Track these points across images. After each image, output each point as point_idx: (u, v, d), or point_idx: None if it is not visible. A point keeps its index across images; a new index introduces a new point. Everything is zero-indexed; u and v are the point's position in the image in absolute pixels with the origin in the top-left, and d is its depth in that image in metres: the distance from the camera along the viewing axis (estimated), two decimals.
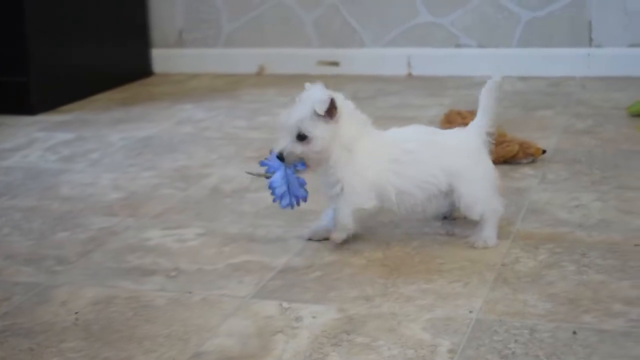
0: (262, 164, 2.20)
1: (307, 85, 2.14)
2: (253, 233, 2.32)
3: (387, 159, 2.13)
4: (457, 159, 2.14)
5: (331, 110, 2.06)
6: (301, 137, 2.07)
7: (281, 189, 2.15)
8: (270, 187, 2.17)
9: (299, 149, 2.08)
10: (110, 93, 4.19)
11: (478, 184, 2.15)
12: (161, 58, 4.58)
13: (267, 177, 2.18)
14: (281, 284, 2.01)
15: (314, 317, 1.83)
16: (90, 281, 2.08)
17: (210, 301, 1.94)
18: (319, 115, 2.06)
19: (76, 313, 1.92)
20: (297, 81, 4.16)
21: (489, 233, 2.15)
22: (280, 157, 2.10)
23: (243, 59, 4.45)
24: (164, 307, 1.93)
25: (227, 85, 4.22)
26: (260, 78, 4.34)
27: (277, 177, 2.16)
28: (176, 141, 3.27)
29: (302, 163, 2.12)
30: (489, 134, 2.18)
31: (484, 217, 2.15)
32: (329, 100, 2.05)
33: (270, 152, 2.18)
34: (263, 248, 2.21)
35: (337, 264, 2.09)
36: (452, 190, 2.14)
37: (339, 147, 2.10)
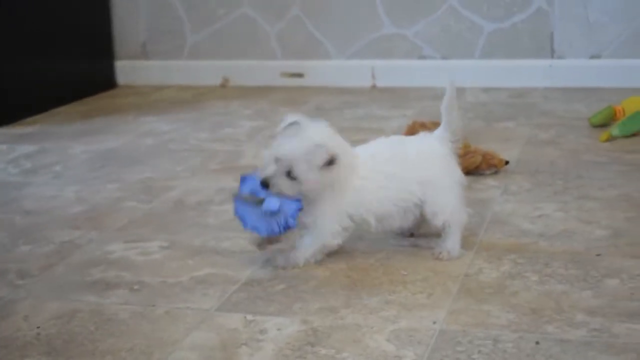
0: (243, 180, 2.10)
1: (290, 116, 2.08)
2: (217, 245, 2.31)
3: (374, 187, 2.11)
4: (428, 169, 2.14)
5: (329, 162, 2.02)
6: (292, 177, 2.02)
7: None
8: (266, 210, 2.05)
9: (288, 187, 2.02)
10: (74, 105, 4.17)
11: (445, 192, 2.14)
12: (125, 70, 4.56)
13: (260, 202, 2.06)
14: (245, 296, 2.00)
15: (278, 330, 1.83)
16: (53, 295, 2.06)
17: (173, 314, 1.93)
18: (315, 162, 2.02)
19: (38, 327, 1.90)
20: (261, 93, 4.20)
21: (453, 244, 2.15)
22: (264, 184, 2.03)
23: (207, 71, 4.44)
24: (127, 320, 1.91)
25: (191, 97, 4.21)
26: (225, 90, 4.33)
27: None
28: (140, 153, 3.26)
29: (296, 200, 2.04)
30: (454, 142, 2.18)
31: (447, 225, 2.15)
32: (329, 156, 2.00)
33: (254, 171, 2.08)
34: (227, 261, 2.21)
35: (301, 276, 2.09)
36: (423, 200, 2.14)
37: (329, 188, 2.07)
